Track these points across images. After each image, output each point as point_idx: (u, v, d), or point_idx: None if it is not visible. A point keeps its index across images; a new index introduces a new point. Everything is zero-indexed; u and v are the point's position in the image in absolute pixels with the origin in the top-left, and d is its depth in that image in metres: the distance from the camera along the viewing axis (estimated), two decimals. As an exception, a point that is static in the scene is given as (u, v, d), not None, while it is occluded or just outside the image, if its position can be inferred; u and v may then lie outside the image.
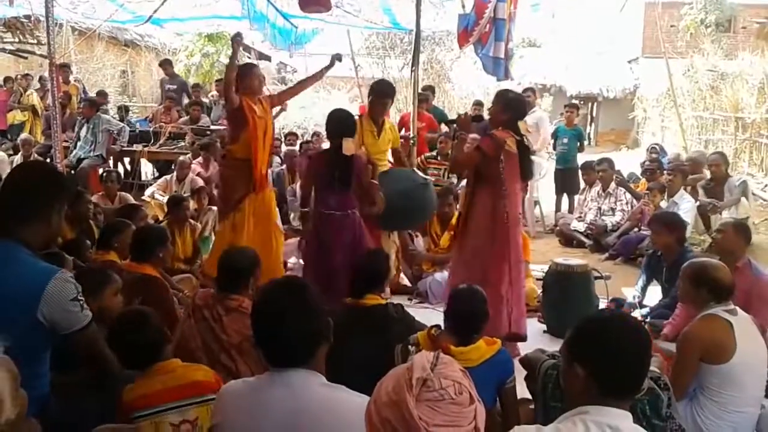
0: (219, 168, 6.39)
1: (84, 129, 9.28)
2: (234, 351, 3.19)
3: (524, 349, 3.20)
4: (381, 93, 5.50)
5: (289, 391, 1.91)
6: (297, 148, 9.29)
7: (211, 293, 3.43)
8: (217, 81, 12.55)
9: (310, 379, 1.94)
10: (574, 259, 5.47)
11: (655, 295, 5.10)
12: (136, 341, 2.55)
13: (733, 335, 3.00)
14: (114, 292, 3.11)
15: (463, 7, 7.13)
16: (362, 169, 4.85)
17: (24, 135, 9.83)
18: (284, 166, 8.44)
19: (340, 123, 4.76)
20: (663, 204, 7.13)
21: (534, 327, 5.11)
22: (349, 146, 4.61)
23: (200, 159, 8.47)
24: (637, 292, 5.20)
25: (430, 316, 4.65)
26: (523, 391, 3.10)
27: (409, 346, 3.06)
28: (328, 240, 4.75)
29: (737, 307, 3.16)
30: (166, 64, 12.49)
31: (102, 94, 11.42)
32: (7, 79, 11.56)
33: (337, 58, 5.82)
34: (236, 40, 5.36)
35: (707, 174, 7.99)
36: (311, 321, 1.96)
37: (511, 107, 4.41)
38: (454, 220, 5.98)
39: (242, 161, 5.23)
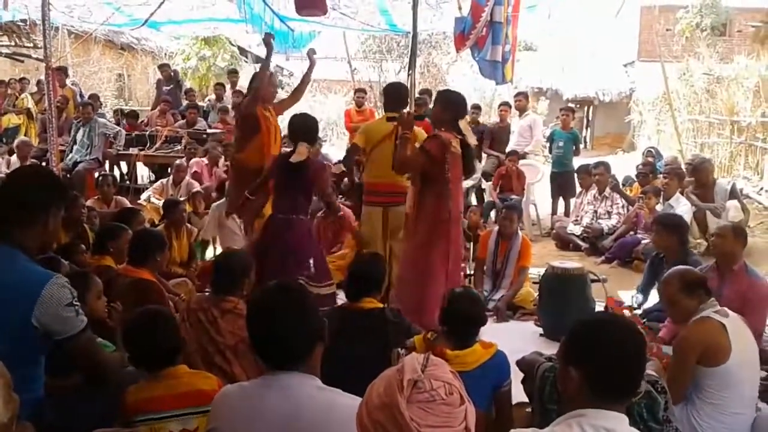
0: (230, 178, 6.41)
1: (80, 132, 9.27)
2: (229, 352, 3.20)
3: (521, 352, 3.20)
4: None
5: (285, 394, 1.91)
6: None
7: (205, 296, 3.46)
8: (216, 85, 12.57)
9: (306, 382, 1.95)
10: (571, 262, 5.48)
11: (656, 297, 5.11)
12: (153, 342, 2.53)
13: (727, 336, 3.01)
14: (97, 295, 3.10)
15: (460, 9, 7.13)
16: (319, 176, 4.72)
17: (22, 138, 9.81)
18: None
19: (301, 127, 4.71)
20: (659, 207, 7.14)
21: (530, 330, 5.12)
22: (301, 151, 4.55)
23: (204, 161, 8.46)
24: (637, 294, 5.20)
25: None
26: (519, 394, 3.10)
27: (402, 350, 3.07)
28: (267, 241, 4.69)
29: (726, 308, 3.17)
30: (164, 68, 12.56)
31: (94, 98, 11.40)
32: (0, 83, 11.51)
33: (311, 52, 5.96)
34: (269, 39, 5.65)
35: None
36: (306, 320, 1.98)
37: (452, 107, 4.49)
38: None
39: (253, 171, 5.28)
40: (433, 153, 4.30)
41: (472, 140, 4.65)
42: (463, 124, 4.47)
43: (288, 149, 4.98)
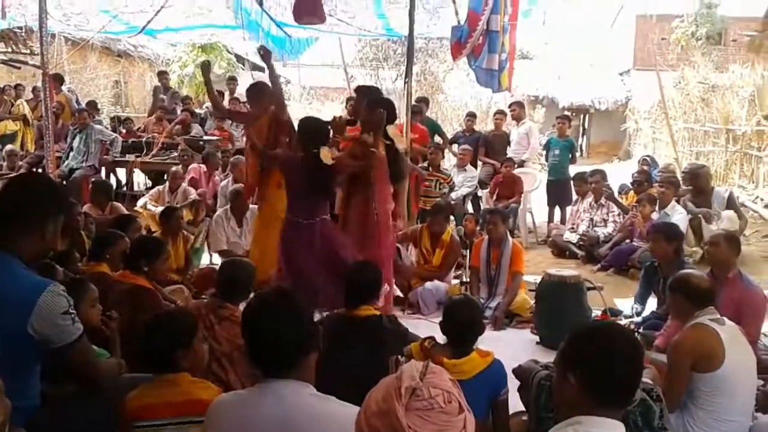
0: None
1: (77, 139, 9.25)
2: (225, 360, 3.22)
3: (517, 360, 3.20)
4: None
5: (279, 401, 1.92)
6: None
7: (203, 303, 3.46)
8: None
9: (300, 390, 1.95)
10: (567, 269, 5.48)
11: (652, 306, 5.13)
12: (167, 343, 2.53)
13: (721, 343, 3.02)
14: (91, 303, 3.08)
15: (457, 13, 7.16)
16: (342, 171, 4.80)
17: (9, 146, 9.78)
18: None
19: (316, 131, 4.69)
20: (654, 215, 7.15)
21: (527, 338, 5.12)
22: (326, 155, 4.56)
23: (203, 167, 8.45)
24: (635, 304, 5.22)
25: (423, 326, 4.66)
26: (516, 402, 3.10)
27: (402, 357, 3.07)
28: (294, 247, 4.70)
29: (724, 317, 3.18)
30: (163, 75, 12.58)
31: (93, 106, 11.39)
32: None
33: (260, 50, 6.14)
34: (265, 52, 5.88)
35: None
36: (299, 327, 1.98)
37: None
38: (446, 236, 6.00)
39: None
40: (357, 155, 4.52)
41: (401, 145, 4.82)
42: (391, 129, 4.63)
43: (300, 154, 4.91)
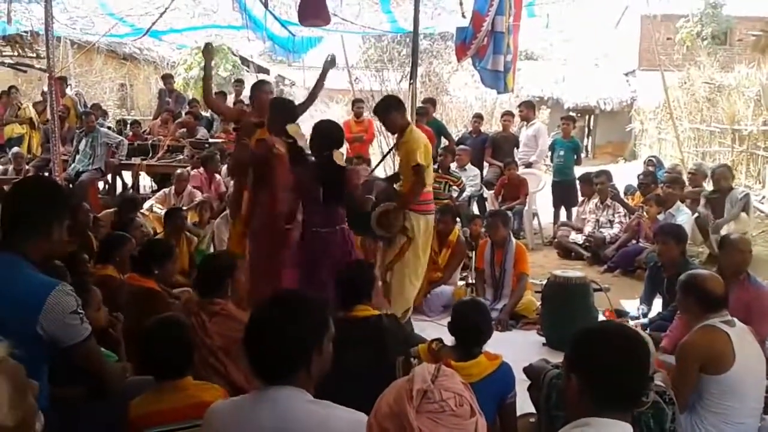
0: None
1: (83, 142, 9.28)
2: (221, 353, 3.20)
3: (524, 362, 3.20)
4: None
5: (275, 408, 1.89)
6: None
7: (195, 301, 3.47)
8: (217, 94, 12.55)
9: (296, 396, 1.91)
10: (573, 271, 5.47)
11: (658, 307, 5.11)
12: (169, 351, 2.52)
13: (731, 345, 3.00)
14: (96, 307, 3.08)
15: (461, 4, 7.13)
16: (355, 183, 4.70)
17: (15, 149, 9.82)
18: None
19: (329, 134, 4.64)
20: (660, 216, 7.13)
21: (533, 339, 5.12)
22: (339, 156, 4.54)
23: (203, 173, 8.42)
24: (642, 305, 5.21)
25: (430, 329, 4.66)
26: (524, 404, 3.09)
27: (411, 359, 3.06)
28: (315, 257, 4.61)
29: (735, 319, 3.17)
30: (167, 78, 12.61)
31: (98, 108, 11.42)
32: (1, 94, 11.48)
33: (331, 60, 5.84)
34: (207, 50, 5.76)
35: (705, 186, 8.00)
36: (296, 334, 1.92)
37: (280, 112, 4.90)
38: (453, 236, 5.99)
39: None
40: (258, 153, 4.82)
41: (302, 142, 4.87)
42: (292, 128, 4.72)
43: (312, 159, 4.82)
